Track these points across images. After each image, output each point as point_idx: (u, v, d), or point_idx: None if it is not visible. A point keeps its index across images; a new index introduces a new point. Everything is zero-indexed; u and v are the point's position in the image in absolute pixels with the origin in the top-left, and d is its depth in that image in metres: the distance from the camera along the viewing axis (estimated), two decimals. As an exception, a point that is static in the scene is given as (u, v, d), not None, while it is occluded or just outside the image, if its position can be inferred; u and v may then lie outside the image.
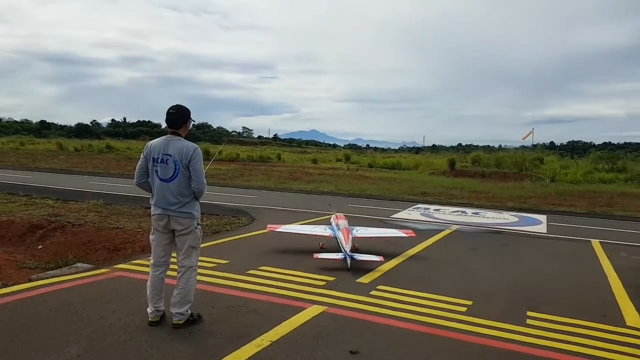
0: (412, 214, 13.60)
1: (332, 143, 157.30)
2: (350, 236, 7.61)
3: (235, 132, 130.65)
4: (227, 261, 7.06)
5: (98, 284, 5.80)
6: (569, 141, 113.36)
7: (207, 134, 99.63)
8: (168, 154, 4.39)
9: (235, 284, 5.91)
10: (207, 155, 40.81)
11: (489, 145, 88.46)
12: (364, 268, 6.86)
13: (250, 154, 46.24)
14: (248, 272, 6.48)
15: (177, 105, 4.53)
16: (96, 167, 28.50)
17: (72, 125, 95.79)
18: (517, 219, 13.31)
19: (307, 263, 7.09)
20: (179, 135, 4.49)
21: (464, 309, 5.30)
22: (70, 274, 6.39)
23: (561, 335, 4.64)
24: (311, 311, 4.98)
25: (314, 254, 7.04)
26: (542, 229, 11.83)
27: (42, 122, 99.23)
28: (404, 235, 8.55)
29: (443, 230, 10.85)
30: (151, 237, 4.59)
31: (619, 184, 28.47)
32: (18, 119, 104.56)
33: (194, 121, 4.68)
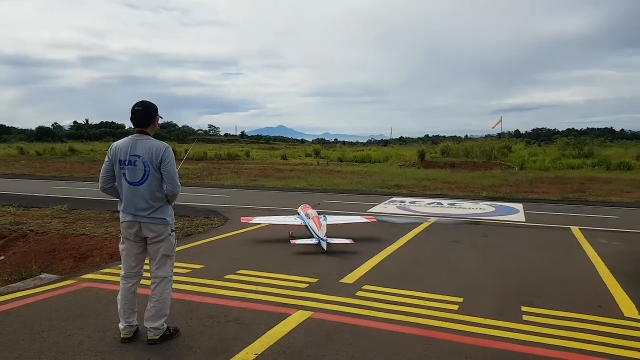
0: (388, 207, 13.42)
1: (300, 138, 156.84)
2: (323, 223, 8.30)
3: (202, 130, 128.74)
4: (202, 266, 6.68)
5: (64, 297, 5.34)
6: (534, 128, 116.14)
7: (173, 133, 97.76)
8: (136, 155, 4.00)
9: (213, 290, 5.54)
10: (175, 156, 40.65)
11: (455, 136, 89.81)
12: (346, 267, 6.59)
13: (218, 152, 45.45)
14: (226, 277, 6.12)
15: (142, 101, 4.13)
16: (59, 171, 27.45)
17: (33, 128, 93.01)
18: (493, 209, 13.29)
19: (287, 265, 6.78)
20: (146, 134, 4.10)
21: (455, 307, 5.08)
22: (35, 286, 5.93)
23: (560, 331, 4.46)
24: (297, 317, 4.67)
25: (291, 241, 7.89)
26: (519, 217, 11.81)
27: (1, 126, 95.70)
28: (367, 221, 9.36)
29: (422, 223, 10.68)
30: (121, 246, 4.20)
31: (586, 169, 29.07)
32: None
33: (161, 117, 4.28)
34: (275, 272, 6.36)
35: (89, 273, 6.46)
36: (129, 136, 4.13)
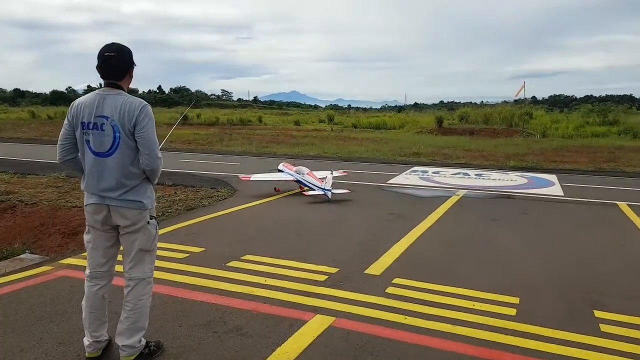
0: (410, 177, 12.33)
1: (313, 104, 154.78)
2: (329, 176, 9.23)
3: (215, 95, 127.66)
4: (202, 249, 5.72)
5: (32, 290, 4.41)
6: (551, 95, 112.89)
7: (186, 98, 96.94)
8: (103, 116, 2.97)
9: (211, 283, 4.57)
10: (184, 121, 39.01)
11: (471, 102, 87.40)
12: (371, 253, 5.59)
13: (230, 117, 44.32)
14: (229, 264, 5.15)
15: (114, 44, 3.05)
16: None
17: (47, 92, 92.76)
18: (525, 180, 12.13)
19: (301, 248, 5.79)
20: (119, 88, 3.05)
21: (511, 311, 4.06)
22: (8, 273, 5.01)
23: (658, 351, 3.43)
24: (315, 325, 3.70)
25: (304, 192, 9.19)
26: (556, 190, 10.66)
27: (16, 90, 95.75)
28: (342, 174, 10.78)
29: (450, 196, 9.60)
30: (85, 237, 3.20)
31: (612, 137, 27.52)
32: None
33: (135, 65, 3.19)
34: (287, 257, 5.37)
35: (70, 257, 5.52)
36: (96, 91, 3.08)
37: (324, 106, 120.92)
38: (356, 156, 17.74)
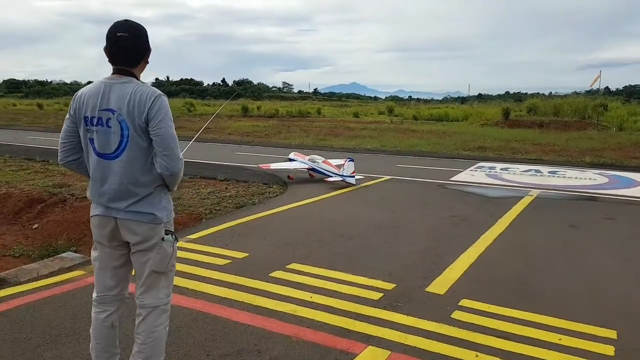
0: (475, 175, 11.39)
1: (373, 96, 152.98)
2: (349, 164, 9.45)
3: (276, 87, 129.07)
4: (246, 254, 5.23)
5: (56, 301, 4.04)
6: (625, 86, 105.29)
7: (248, 90, 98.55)
8: (109, 109, 2.47)
9: (250, 298, 4.06)
10: (244, 112, 39.71)
11: (538, 93, 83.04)
12: (432, 264, 4.90)
13: (290, 109, 44.20)
14: (272, 274, 4.63)
15: (129, 22, 2.53)
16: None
17: None
18: (606, 180, 10.90)
19: (352, 256, 5.19)
20: (130, 75, 2.53)
21: (608, 349, 3.27)
22: (41, 277, 4.75)
23: None
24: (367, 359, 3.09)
25: (325, 179, 9.57)
26: (645, 192, 9.46)
27: (89, 82, 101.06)
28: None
29: (522, 197, 8.65)
30: (93, 254, 2.75)
31: (701, 132, 24.93)
32: (68, 81, 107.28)
33: (151, 49, 2.65)
34: (337, 268, 4.78)
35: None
36: (101, 78, 2.57)
37: (383, 97, 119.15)
38: (416, 150, 16.86)
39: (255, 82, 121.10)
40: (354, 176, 9.33)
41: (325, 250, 5.40)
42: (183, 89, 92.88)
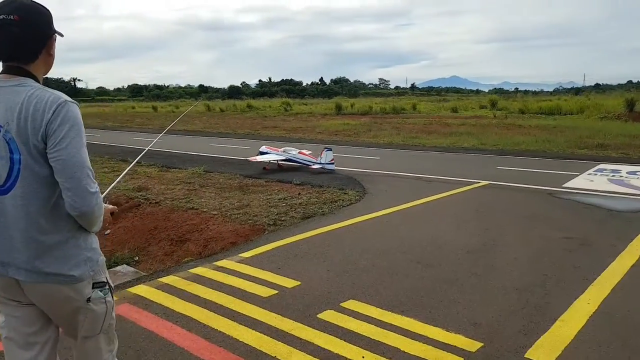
0: (595, 180, 9.53)
1: (474, 89, 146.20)
2: (328, 153, 10.67)
3: (372, 84, 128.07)
4: (296, 283, 4.32)
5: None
6: None
7: (345, 88, 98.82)
8: None
9: (286, 352, 3.13)
10: (338, 110, 39.45)
11: (668, 81, 73.65)
12: (535, 310, 3.63)
13: (384, 106, 42.84)
14: (321, 315, 3.67)
15: (17, 1, 1.74)
16: (228, 127, 27.64)
17: (225, 87, 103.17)
18: None
19: (425, 295, 4.05)
20: (25, 74, 1.79)
21: None
22: None
23: None
24: None
25: (309, 167, 10.84)
26: None
27: (201, 86, 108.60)
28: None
29: (658, 211, 6.88)
30: None
31: None
32: (183, 85, 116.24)
33: (61, 34, 1.89)
34: (406, 311, 3.70)
35: (143, 282, 4.53)
36: None
37: (486, 90, 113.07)
38: (522, 148, 14.93)
39: (351, 80, 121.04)
40: (333, 163, 10.61)
41: (394, 283, 4.32)
42: (283, 89, 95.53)
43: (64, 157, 1.67)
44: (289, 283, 4.33)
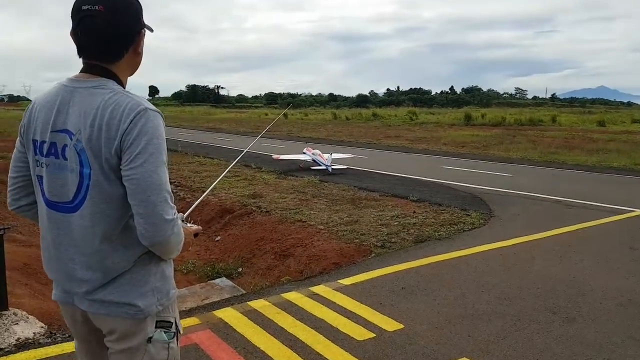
0: None
1: (626, 101, 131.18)
2: (327, 156, 12.62)
3: (507, 93, 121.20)
4: (399, 326, 3.65)
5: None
6: None
7: (476, 98, 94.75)
8: (64, 130, 1.49)
9: None
10: (467, 121, 37.89)
11: None
12: None
13: (519, 117, 39.76)
14: (423, 375, 2.96)
15: None
16: (351, 136, 27.41)
17: (354, 96, 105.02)
18: None
19: (572, 358, 3.13)
20: (106, 74, 1.53)
21: None
22: (191, 306, 4.04)
23: None
24: None
25: (300, 165, 13.16)
26: None
27: (330, 94, 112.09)
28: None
29: None
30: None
31: None
32: (314, 93, 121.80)
33: (151, 29, 1.60)
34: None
35: (232, 304, 4.18)
36: (63, 80, 1.54)
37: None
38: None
39: (484, 89, 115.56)
40: (332, 165, 12.32)
41: (521, 341, 3.44)
42: (410, 98, 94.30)
43: (138, 176, 1.41)
44: (389, 325, 3.67)
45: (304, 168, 12.85)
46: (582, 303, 4.10)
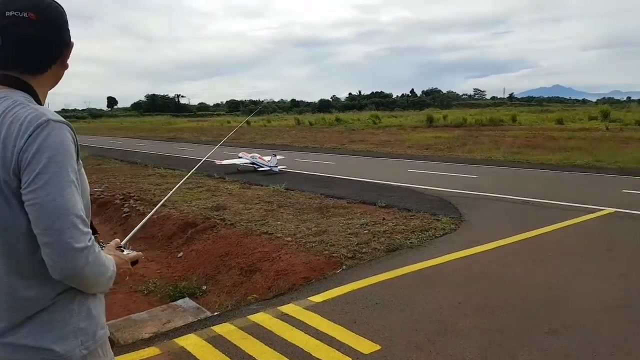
0: None
1: (580, 98, 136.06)
2: (269, 158, 13.56)
3: (466, 94, 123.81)
4: (376, 347, 3.39)
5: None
6: None
7: (437, 100, 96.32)
8: None
9: None
10: (429, 123, 38.09)
11: None
12: None
13: (479, 118, 40.44)
14: (405, 405, 2.70)
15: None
16: (315, 141, 27.16)
17: (316, 101, 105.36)
18: None
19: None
20: (18, 84, 1.32)
21: None
22: (126, 346, 3.65)
23: None
24: None
25: (257, 169, 13.49)
26: None
27: (293, 100, 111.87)
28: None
29: None
30: None
31: None
32: (276, 100, 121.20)
33: (71, 44, 1.43)
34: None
35: (197, 329, 3.84)
36: None
37: (594, 100, 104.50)
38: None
39: (444, 91, 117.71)
40: (277, 166, 13.19)
41: (505, 357, 3.23)
42: (372, 102, 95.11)
43: (39, 200, 1.20)
44: (365, 347, 3.41)
45: (242, 171, 13.60)
46: (564, 312, 3.93)
